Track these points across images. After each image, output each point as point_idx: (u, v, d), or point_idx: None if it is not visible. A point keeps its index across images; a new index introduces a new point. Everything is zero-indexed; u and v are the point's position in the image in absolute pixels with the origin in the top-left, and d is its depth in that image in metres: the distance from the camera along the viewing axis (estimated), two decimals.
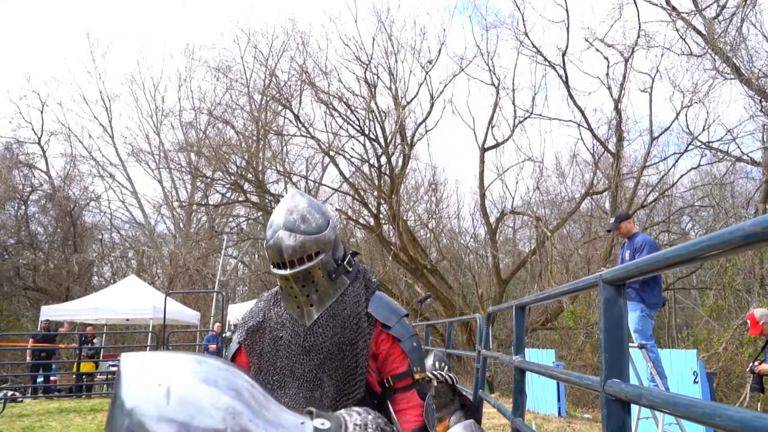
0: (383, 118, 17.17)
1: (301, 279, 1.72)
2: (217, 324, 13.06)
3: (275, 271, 1.74)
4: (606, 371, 1.60)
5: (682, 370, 6.10)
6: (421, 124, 17.51)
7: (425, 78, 16.99)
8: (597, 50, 14.61)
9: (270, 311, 1.86)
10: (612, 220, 5.69)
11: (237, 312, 14.19)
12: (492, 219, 16.85)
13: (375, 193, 17.22)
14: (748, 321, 5.16)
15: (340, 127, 17.57)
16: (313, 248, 1.72)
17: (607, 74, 14.73)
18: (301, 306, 1.78)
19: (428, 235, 19.12)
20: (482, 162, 16.26)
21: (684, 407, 1.18)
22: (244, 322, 1.90)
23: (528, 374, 2.71)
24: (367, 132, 17.21)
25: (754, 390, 5.23)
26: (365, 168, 18.16)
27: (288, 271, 1.70)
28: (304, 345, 1.76)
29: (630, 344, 5.11)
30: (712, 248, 1.11)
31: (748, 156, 13.27)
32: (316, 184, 20.93)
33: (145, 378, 0.69)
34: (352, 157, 18.11)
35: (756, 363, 5.12)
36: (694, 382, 5.92)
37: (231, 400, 0.69)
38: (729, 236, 1.04)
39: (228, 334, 12.00)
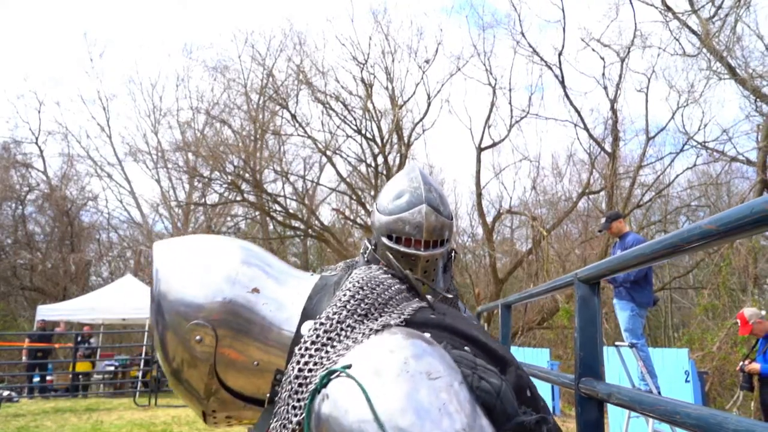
0: (380, 117, 17.21)
1: (427, 263, 1.55)
2: None
3: (399, 248, 1.52)
4: (580, 369, 1.61)
5: (673, 369, 6.12)
6: (418, 123, 17.56)
7: (422, 78, 17.02)
8: (593, 50, 14.63)
9: None
10: (603, 220, 5.72)
11: None
12: (489, 218, 16.88)
13: (372, 193, 17.24)
14: (738, 321, 5.18)
15: (338, 126, 17.61)
16: (447, 234, 1.57)
17: (603, 74, 14.75)
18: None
19: None
20: (479, 162, 16.29)
21: (648, 405, 1.20)
22: None
23: None
24: (364, 132, 17.24)
25: (743, 389, 5.25)
26: (362, 168, 18.19)
27: (423, 252, 1.51)
28: None
29: (621, 343, 5.15)
30: (673, 246, 1.13)
31: (743, 156, 13.29)
32: (314, 184, 20.95)
33: (167, 259, 0.92)
34: (349, 156, 18.15)
35: (746, 362, 5.14)
36: (686, 381, 5.94)
37: (240, 254, 0.93)
38: (687, 234, 1.06)
39: None
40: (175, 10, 39.57)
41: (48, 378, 13.17)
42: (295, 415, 0.77)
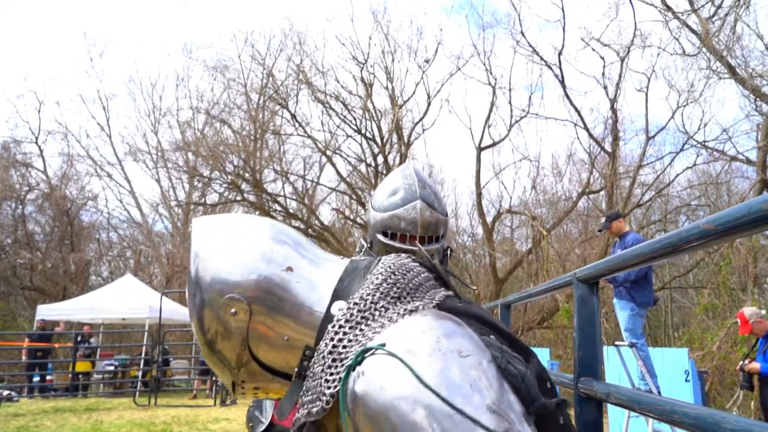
0: (380, 117, 17.21)
1: (422, 259, 1.57)
2: None
3: (394, 244, 1.53)
4: (579, 369, 1.61)
5: (673, 369, 6.12)
6: (417, 123, 17.56)
7: (422, 77, 17.02)
8: (593, 50, 14.62)
9: None
10: (603, 219, 5.72)
11: None
12: (489, 218, 16.87)
13: (372, 193, 17.23)
14: (738, 320, 5.18)
15: (337, 126, 17.61)
16: (442, 230, 1.59)
17: (603, 74, 14.74)
18: None
19: None
20: (479, 161, 16.29)
21: (646, 404, 1.20)
22: None
23: None
24: (363, 131, 17.24)
25: (743, 388, 5.25)
26: (362, 167, 18.18)
27: (418, 247, 1.52)
28: None
29: (621, 343, 5.15)
30: (672, 246, 1.12)
31: (743, 155, 13.29)
32: (314, 184, 20.94)
33: (204, 237, 0.95)
34: (348, 156, 18.15)
35: (746, 361, 5.14)
36: (686, 380, 5.94)
37: (275, 233, 0.95)
38: (686, 234, 1.06)
39: None
40: (175, 10, 39.59)
41: (48, 378, 13.17)
42: (328, 388, 0.80)
